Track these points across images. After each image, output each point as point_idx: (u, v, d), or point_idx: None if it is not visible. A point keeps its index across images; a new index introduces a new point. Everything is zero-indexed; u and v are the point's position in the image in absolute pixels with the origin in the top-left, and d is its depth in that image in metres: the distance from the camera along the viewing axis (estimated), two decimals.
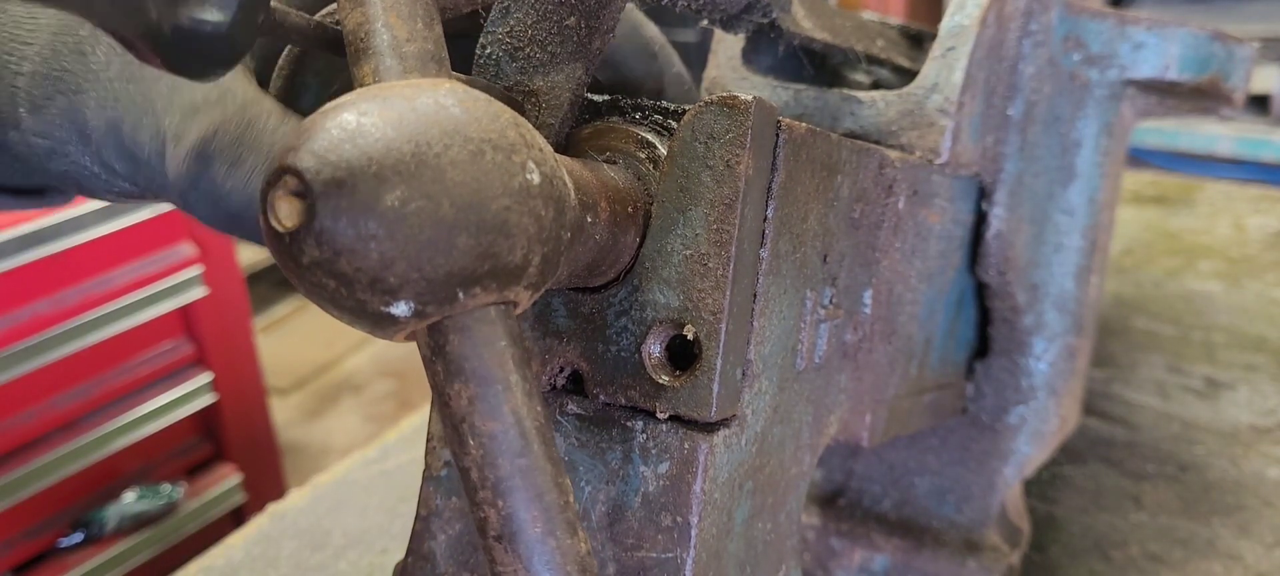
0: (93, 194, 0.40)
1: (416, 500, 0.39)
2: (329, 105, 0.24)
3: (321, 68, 0.43)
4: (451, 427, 0.25)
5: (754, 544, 0.38)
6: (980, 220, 0.56)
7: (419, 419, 0.94)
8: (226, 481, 1.79)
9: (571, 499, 0.26)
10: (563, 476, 0.26)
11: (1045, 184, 0.58)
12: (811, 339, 0.40)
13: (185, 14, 0.28)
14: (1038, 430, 0.61)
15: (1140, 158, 2.18)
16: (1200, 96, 0.61)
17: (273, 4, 0.34)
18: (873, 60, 0.60)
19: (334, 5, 0.41)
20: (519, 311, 0.27)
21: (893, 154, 0.45)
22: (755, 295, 0.35)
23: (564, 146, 0.37)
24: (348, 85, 0.37)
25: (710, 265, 0.33)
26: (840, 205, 0.40)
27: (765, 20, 0.43)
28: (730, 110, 0.33)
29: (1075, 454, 0.81)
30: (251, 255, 2.60)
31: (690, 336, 0.34)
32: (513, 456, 0.25)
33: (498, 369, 0.25)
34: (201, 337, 1.74)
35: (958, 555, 0.61)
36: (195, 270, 1.67)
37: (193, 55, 0.29)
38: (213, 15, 0.28)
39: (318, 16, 0.40)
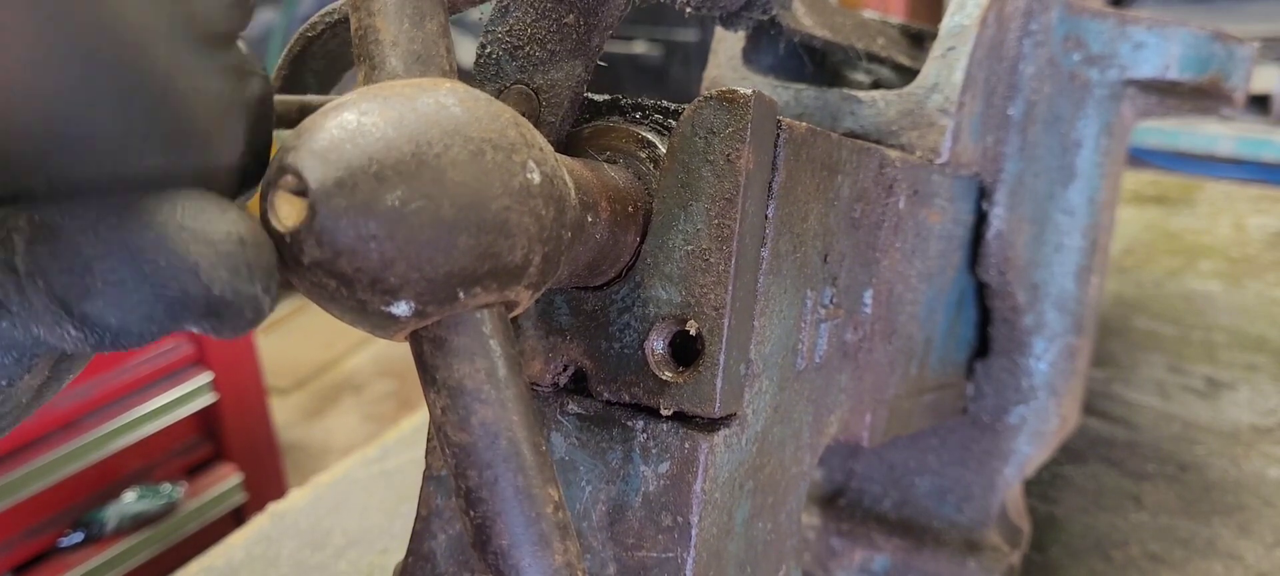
0: None
1: (417, 500, 0.39)
2: (330, 105, 0.24)
3: (321, 68, 0.44)
4: (434, 434, 0.26)
5: (754, 543, 0.38)
6: (980, 220, 0.56)
7: (419, 419, 0.94)
8: (227, 481, 1.79)
9: (553, 508, 0.26)
10: (547, 485, 0.26)
11: (1045, 184, 0.58)
12: (812, 339, 0.40)
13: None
14: (1038, 430, 0.61)
15: (1141, 157, 2.18)
16: (1201, 96, 0.61)
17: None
18: (873, 58, 0.60)
19: (316, 18, 0.41)
20: (519, 311, 0.27)
21: (893, 154, 0.45)
22: (756, 295, 0.35)
23: (565, 146, 0.37)
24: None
25: (712, 260, 0.33)
26: (840, 205, 0.40)
27: (765, 17, 0.43)
28: (730, 104, 0.33)
29: (1076, 454, 0.81)
30: None
31: (693, 332, 0.34)
32: (482, 468, 0.25)
33: (469, 380, 0.25)
34: (201, 337, 1.74)
35: (958, 555, 0.61)
36: None
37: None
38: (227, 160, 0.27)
39: (300, 29, 0.41)
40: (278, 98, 0.37)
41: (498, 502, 0.25)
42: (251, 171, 0.26)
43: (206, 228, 0.22)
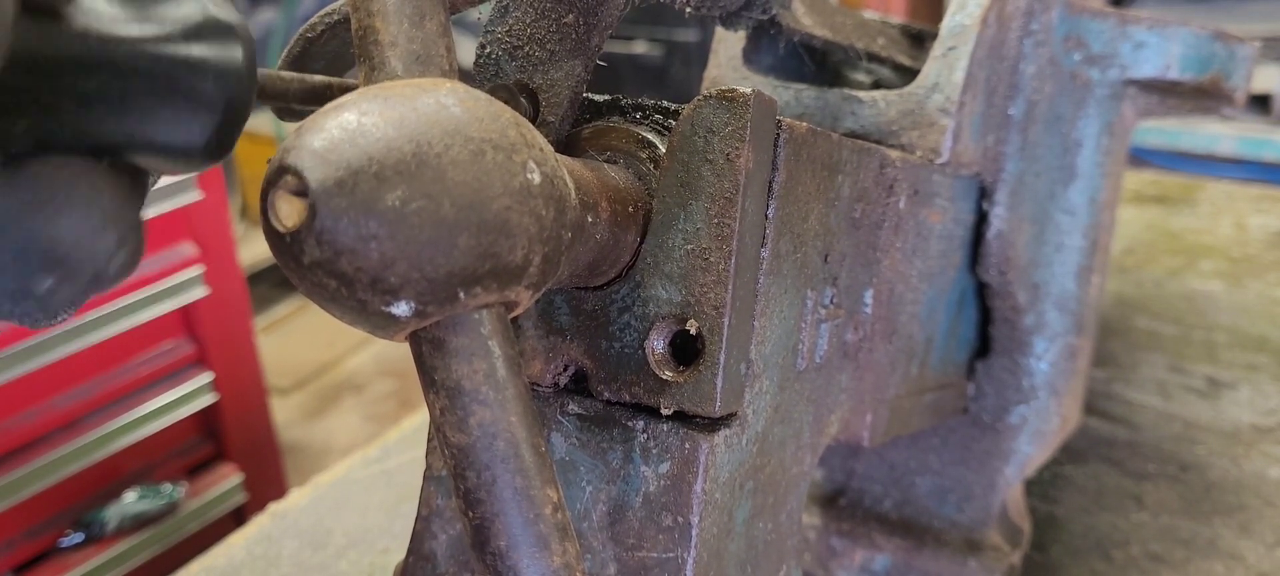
0: None
1: (417, 500, 0.39)
2: (330, 105, 0.24)
3: (321, 69, 0.43)
4: (433, 434, 0.25)
5: (755, 543, 0.38)
6: (981, 220, 0.56)
7: (420, 418, 0.94)
8: (227, 481, 1.79)
9: (552, 510, 0.26)
10: (546, 486, 0.26)
11: (1046, 183, 0.58)
12: (812, 339, 0.40)
13: (163, 137, 0.28)
14: (1039, 430, 0.61)
15: (1142, 157, 2.17)
16: (1201, 96, 0.61)
17: (262, 72, 0.34)
18: (873, 58, 0.59)
19: (316, 18, 0.41)
20: (519, 311, 0.27)
21: (893, 153, 0.45)
22: (756, 295, 0.35)
23: (565, 146, 0.37)
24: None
25: (712, 259, 0.33)
26: (841, 205, 0.40)
27: (765, 16, 0.43)
28: (729, 103, 0.33)
29: (1076, 453, 0.81)
30: (253, 255, 2.59)
31: (693, 331, 0.34)
32: (480, 469, 0.25)
33: (468, 381, 0.25)
34: (202, 337, 1.74)
35: (959, 555, 0.61)
36: (196, 270, 1.67)
37: (176, 162, 0.30)
38: (189, 138, 0.29)
39: (300, 29, 0.41)
40: (282, 73, 0.37)
41: (496, 504, 0.25)
42: (215, 145, 0.28)
43: (63, 204, 0.26)
